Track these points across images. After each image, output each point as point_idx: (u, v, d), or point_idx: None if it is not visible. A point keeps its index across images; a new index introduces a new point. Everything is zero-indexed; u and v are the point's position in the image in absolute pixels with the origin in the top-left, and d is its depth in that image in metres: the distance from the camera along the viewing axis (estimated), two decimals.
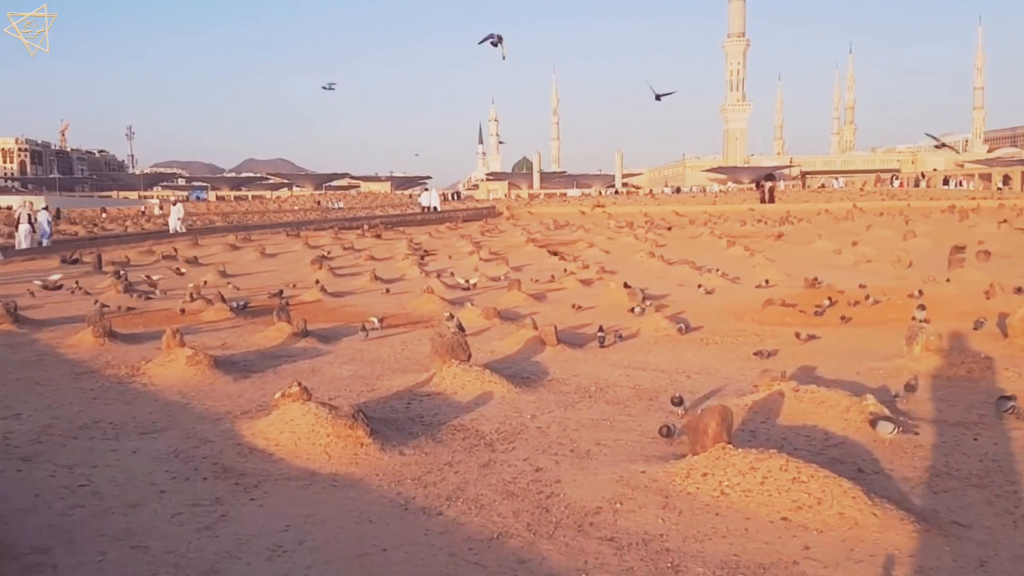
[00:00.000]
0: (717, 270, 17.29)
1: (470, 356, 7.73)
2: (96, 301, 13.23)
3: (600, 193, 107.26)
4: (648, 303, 13.61)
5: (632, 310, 11.84)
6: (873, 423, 5.35)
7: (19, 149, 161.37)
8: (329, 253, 25.40)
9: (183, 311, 12.35)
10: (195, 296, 14.34)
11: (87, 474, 4.88)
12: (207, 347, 9.44)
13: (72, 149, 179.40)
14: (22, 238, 28.37)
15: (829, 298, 12.17)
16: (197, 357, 8.03)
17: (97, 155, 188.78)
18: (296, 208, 74.47)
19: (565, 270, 18.07)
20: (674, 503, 4.19)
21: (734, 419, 5.06)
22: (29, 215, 29.38)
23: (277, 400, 5.87)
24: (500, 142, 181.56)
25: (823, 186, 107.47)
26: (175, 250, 25.75)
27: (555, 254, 23.36)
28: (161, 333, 11.11)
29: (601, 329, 10.02)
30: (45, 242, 29.28)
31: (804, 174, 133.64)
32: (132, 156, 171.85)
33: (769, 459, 4.25)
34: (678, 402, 6.06)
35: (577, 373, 7.92)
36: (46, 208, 32.59)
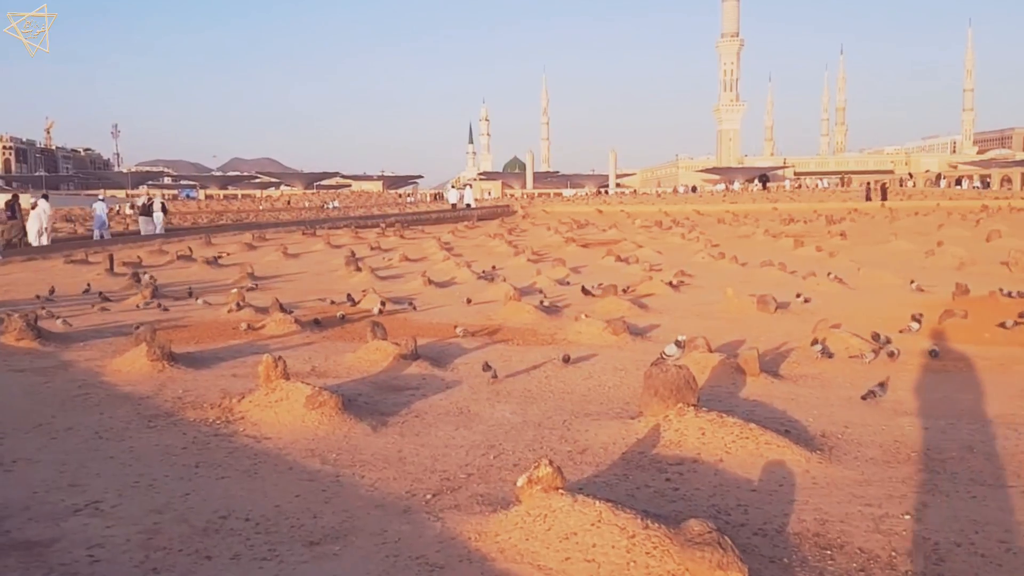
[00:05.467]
0: (830, 274, 15.16)
1: (699, 399, 5.56)
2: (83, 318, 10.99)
3: (603, 192, 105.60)
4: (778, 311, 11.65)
5: (911, 323, 9.59)
6: None
7: (3, 147, 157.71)
8: (355, 253, 23.07)
9: (249, 327, 10.10)
10: (241, 304, 12.14)
11: None
12: (295, 374, 7.27)
13: (57, 147, 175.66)
14: (149, 226, 30.77)
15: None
16: (320, 397, 5.84)
17: (83, 153, 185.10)
18: (293, 207, 71.78)
19: (650, 277, 15.88)
20: None
21: None
22: (163, 204, 32.74)
23: (521, 489, 3.71)
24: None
25: (801, 186, 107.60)
26: (190, 249, 23.44)
27: (615, 255, 21.17)
28: (223, 352, 9.06)
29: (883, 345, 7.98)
30: (105, 234, 30.19)
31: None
32: (118, 155, 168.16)
33: None
34: None
35: (847, 423, 5.74)
36: (103, 200, 33.21)
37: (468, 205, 52.58)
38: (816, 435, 5.38)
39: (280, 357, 6.37)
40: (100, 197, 33.89)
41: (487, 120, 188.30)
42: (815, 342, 8.36)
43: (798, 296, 12.77)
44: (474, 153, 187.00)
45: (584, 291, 14.05)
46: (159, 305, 12.50)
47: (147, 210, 31.96)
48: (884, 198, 54.57)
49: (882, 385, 6.40)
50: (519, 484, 3.73)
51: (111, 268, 18.73)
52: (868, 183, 62.80)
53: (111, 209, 44.24)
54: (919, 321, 9.59)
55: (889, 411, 6.06)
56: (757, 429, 4.98)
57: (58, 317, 10.72)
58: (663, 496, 4.24)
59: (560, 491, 3.66)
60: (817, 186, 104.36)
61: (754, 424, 5.06)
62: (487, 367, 7.27)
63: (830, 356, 8.23)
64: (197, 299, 13.30)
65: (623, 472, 4.67)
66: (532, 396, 6.87)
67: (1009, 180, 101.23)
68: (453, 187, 63.76)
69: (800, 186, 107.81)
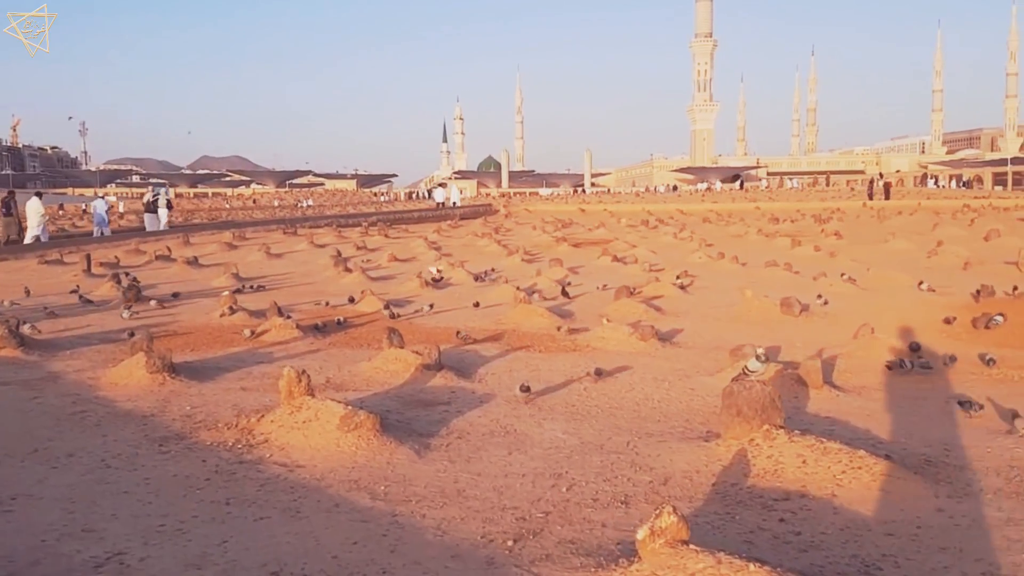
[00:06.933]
0: (843, 275, 14.68)
1: (784, 419, 4.96)
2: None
3: (579, 191, 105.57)
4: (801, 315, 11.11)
5: (995, 317, 9.07)
6: None
7: None
8: (341, 253, 22.30)
9: (252, 333, 9.40)
10: (233, 307, 11.40)
11: None
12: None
13: (24, 145, 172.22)
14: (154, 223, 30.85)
15: None
16: (357, 417, 5.17)
17: (49, 152, 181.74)
18: (260, 205, 70.51)
19: (656, 278, 15.30)
20: None
21: None
22: (168, 200, 32.90)
23: (643, 542, 3.09)
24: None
25: (776, 185, 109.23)
26: (168, 249, 22.58)
27: (612, 255, 20.58)
28: (224, 361, 8.36)
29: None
30: (106, 231, 29.65)
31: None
32: (85, 153, 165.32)
33: None
34: None
35: (944, 444, 5.16)
36: (102, 197, 34.57)
37: (454, 203, 52.41)
38: (921, 461, 4.79)
39: (304, 371, 5.69)
40: (100, 195, 34.57)
41: (461, 119, 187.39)
42: (909, 362, 7.61)
43: (819, 298, 12.25)
44: (448, 152, 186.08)
45: (564, 293, 13.58)
46: (134, 312, 11.53)
47: (152, 207, 31.90)
48: (887, 197, 53.95)
49: (970, 399, 5.85)
50: (640, 537, 3.10)
51: (88, 269, 17.87)
52: (871, 181, 62.43)
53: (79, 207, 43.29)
54: (1003, 316, 9.12)
55: (981, 429, 5.51)
56: (868, 457, 4.38)
57: (26, 322, 9.81)
58: (787, 543, 3.63)
59: (690, 546, 3.04)
60: (792, 186, 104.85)
61: (863, 451, 4.46)
62: (525, 388, 6.55)
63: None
64: (155, 302, 12.54)
65: (724, 510, 4.06)
66: (578, 412, 6.25)
67: (980, 179, 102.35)
68: (440, 186, 63.80)
69: (779, 185, 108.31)
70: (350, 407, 5.28)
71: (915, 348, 7.94)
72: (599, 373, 7.07)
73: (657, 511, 3.12)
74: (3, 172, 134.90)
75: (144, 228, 31.35)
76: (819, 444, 4.51)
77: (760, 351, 5.45)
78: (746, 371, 5.28)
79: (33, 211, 25.69)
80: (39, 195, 27.07)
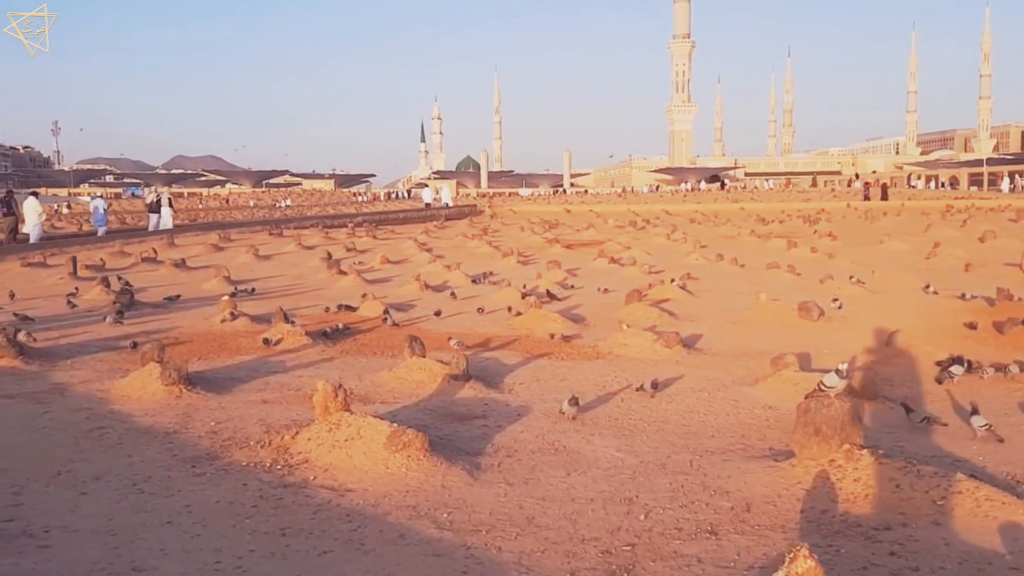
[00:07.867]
0: (852, 277, 14.46)
1: (863, 438, 4.67)
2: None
3: (560, 191, 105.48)
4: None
5: None
6: None
7: None
8: (331, 255, 21.84)
9: (268, 341, 9.01)
10: (235, 313, 11.02)
11: None
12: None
13: None
14: (155, 223, 31.14)
15: None
16: (405, 436, 4.82)
17: (21, 151, 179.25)
18: (233, 206, 69.53)
19: (661, 281, 15.03)
20: None
21: None
22: (169, 199, 33.09)
23: None
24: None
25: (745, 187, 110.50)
26: (154, 251, 22.04)
27: (609, 257, 20.30)
28: (236, 371, 7.98)
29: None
30: (101, 231, 29.54)
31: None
32: (58, 152, 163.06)
33: None
34: None
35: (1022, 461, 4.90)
36: (102, 197, 35.09)
37: (447, 204, 52.60)
38: (1010, 481, 4.53)
39: (340, 385, 5.34)
40: (99, 195, 35.70)
41: (439, 119, 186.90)
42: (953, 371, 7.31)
43: (834, 301, 12.00)
44: (427, 152, 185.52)
45: (549, 295, 13.35)
46: (121, 319, 11.04)
47: (155, 207, 32.52)
48: (884, 197, 53.84)
49: None
50: None
51: (74, 271, 17.33)
52: (867, 182, 62.55)
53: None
54: None
55: None
56: (966, 480, 4.10)
57: (20, 329, 9.33)
58: None
59: None
60: (768, 187, 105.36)
61: (960, 474, 4.17)
62: (574, 402, 6.15)
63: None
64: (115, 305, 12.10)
65: (824, 541, 3.75)
66: (624, 427, 5.95)
67: (956, 180, 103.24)
68: (422, 185, 64.20)
69: (768, 185, 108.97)
70: (396, 424, 4.94)
71: (962, 363, 7.61)
72: (655, 386, 6.72)
73: (791, 554, 2.81)
74: None
75: (147, 228, 31.72)
76: (911, 467, 4.22)
77: (842, 366, 5.14)
78: (822, 386, 4.99)
79: (31, 210, 25.26)
80: (35, 194, 26.73)
